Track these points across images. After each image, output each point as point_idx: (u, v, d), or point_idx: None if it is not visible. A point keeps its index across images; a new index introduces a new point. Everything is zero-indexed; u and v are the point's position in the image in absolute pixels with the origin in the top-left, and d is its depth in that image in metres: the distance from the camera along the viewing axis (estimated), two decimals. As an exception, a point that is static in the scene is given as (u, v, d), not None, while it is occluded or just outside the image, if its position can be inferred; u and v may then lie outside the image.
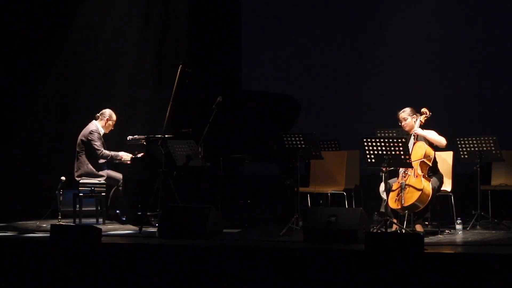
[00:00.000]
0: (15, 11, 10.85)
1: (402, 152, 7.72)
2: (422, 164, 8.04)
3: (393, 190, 8.01)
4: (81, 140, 9.61)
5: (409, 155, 7.80)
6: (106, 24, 11.45)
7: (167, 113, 8.85)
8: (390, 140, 7.76)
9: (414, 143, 8.18)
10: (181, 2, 12.17)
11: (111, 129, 9.80)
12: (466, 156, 8.81)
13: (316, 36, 12.03)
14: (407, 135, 8.34)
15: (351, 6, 11.92)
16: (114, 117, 9.80)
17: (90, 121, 9.76)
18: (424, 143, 8.16)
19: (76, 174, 9.55)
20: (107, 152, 9.59)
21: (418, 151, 8.10)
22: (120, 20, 11.58)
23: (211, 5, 12.37)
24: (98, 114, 9.75)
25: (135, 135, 9.89)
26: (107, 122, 9.73)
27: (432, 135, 8.23)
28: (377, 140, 7.82)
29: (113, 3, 11.56)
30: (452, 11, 11.33)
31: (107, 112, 9.76)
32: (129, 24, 11.74)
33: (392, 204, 7.92)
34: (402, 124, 8.36)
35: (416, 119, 8.29)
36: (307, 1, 12.23)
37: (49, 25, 11.06)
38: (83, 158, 9.56)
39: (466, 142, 8.79)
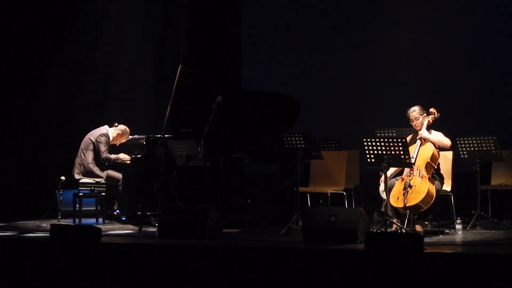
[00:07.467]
0: (16, 11, 10.85)
1: (402, 152, 7.71)
2: (428, 165, 8.03)
3: (396, 188, 7.98)
4: (90, 139, 9.63)
5: (409, 155, 7.80)
6: (106, 23, 11.45)
7: (167, 113, 8.86)
8: (390, 140, 7.75)
9: (421, 144, 8.17)
10: (181, 2, 12.16)
11: (114, 143, 9.79)
12: (466, 156, 8.80)
13: (316, 36, 12.02)
14: (415, 132, 8.33)
15: (351, 6, 11.91)
16: (126, 136, 9.79)
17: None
18: (432, 144, 8.16)
19: (76, 171, 9.55)
20: (109, 155, 9.59)
21: (425, 152, 8.09)
22: (120, 20, 11.58)
23: (211, 5, 12.37)
24: (115, 123, 9.76)
25: (135, 135, 9.90)
26: (117, 134, 9.73)
27: (437, 137, 8.21)
28: (377, 140, 7.81)
29: (114, 3, 11.56)
30: (452, 11, 11.32)
31: (123, 127, 9.77)
32: (129, 23, 11.73)
33: (394, 202, 7.89)
34: (414, 123, 8.32)
35: (425, 119, 8.27)
36: (307, 1, 12.22)
37: (49, 25, 11.05)
38: (86, 157, 9.56)
39: (466, 142, 8.79)
